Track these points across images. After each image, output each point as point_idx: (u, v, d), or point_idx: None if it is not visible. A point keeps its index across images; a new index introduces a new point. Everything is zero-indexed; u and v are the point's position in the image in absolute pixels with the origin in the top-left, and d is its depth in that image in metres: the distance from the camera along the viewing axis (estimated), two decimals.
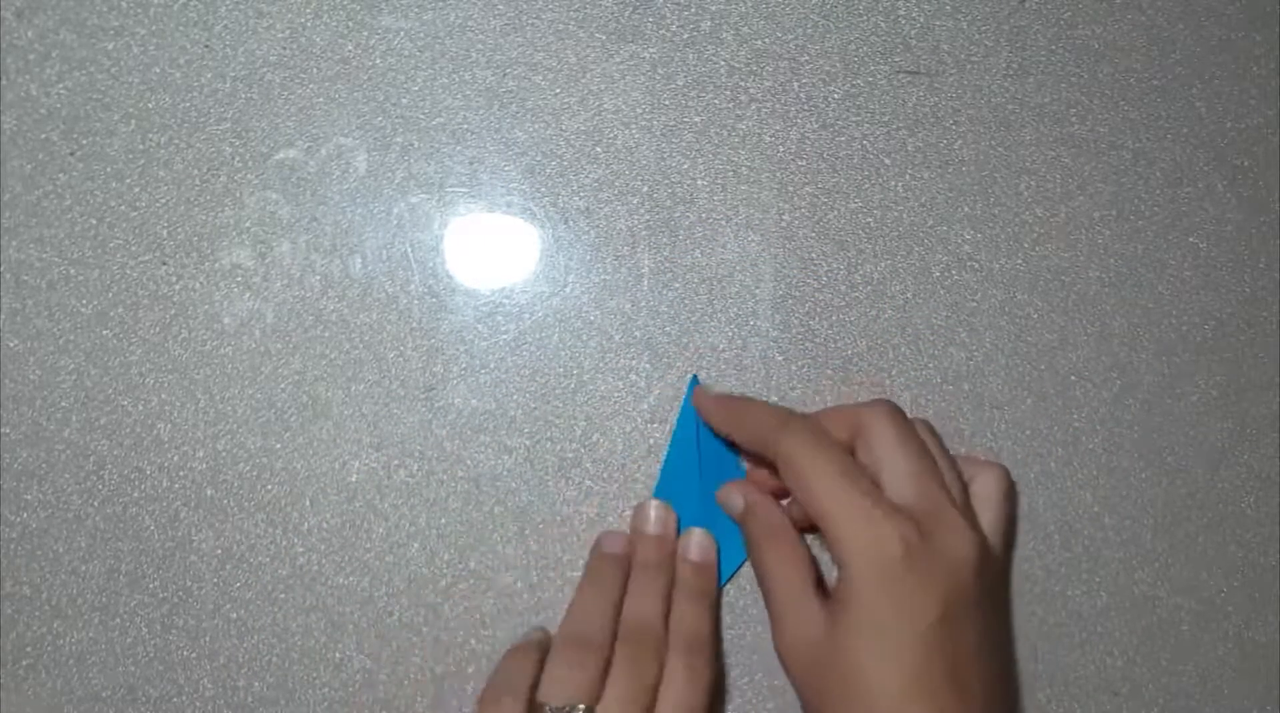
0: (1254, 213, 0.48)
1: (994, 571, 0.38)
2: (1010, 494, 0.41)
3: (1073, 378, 0.46)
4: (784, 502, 0.42)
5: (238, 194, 0.45)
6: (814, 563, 0.39)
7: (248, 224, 0.45)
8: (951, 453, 0.41)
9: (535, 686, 0.37)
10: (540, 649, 0.39)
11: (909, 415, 0.39)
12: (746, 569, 0.43)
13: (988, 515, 0.39)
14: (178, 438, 0.43)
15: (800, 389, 0.45)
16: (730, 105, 0.47)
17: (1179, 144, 0.48)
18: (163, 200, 0.45)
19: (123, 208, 0.45)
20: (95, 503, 0.43)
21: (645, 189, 0.46)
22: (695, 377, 0.44)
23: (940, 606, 0.35)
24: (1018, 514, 0.45)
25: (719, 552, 0.42)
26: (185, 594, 0.43)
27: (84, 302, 0.44)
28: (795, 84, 0.47)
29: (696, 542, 0.42)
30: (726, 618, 0.43)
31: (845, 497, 0.36)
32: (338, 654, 0.42)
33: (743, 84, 0.47)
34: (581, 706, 0.36)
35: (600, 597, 0.40)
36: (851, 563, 0.35)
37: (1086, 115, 0.48)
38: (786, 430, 0.38)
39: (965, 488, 0.39)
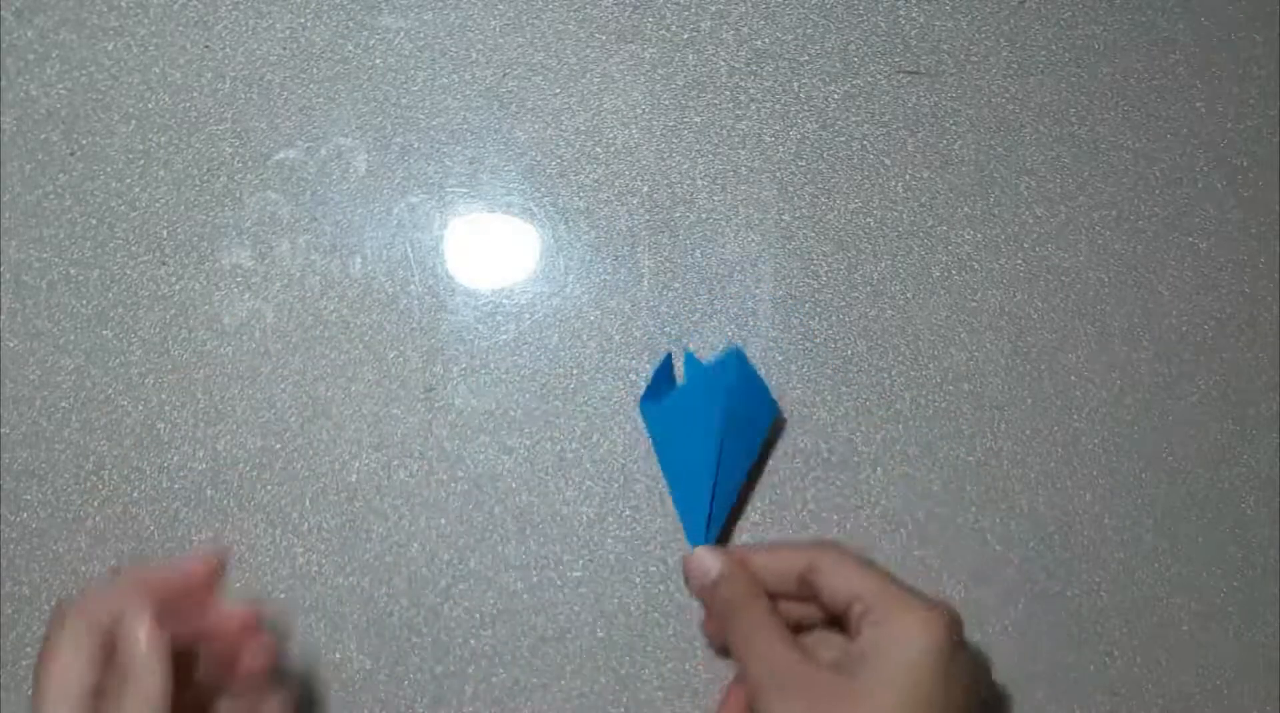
0: (1254, 213, 0.48)
1: None
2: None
3: (1073, 378, 0.46)
4: None
5: (238, 194, 0.45)
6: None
7: (248, 224, 0.45)
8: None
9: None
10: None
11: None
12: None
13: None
14: (178, 438, 0.43)
15: (800, 389, 0.45)
16: (730, 105, 0.47)
17: (1179, 144, 0.48)
18: (163, 200, 0.45)
19: (123, 208, 0.45)
20: (95, 503, 0.43)
21: (645, 189, 0.46)
22: (740, 348, 0.43)
23: (969, 703, 0.35)
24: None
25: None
26: None
27: (84, 302, 0.44)
28: (795, 84, 0.47)
29: None
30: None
31: (892, 586, 0.36)
32: (338, 654, 0.42)
33: (743, 84, 0.47)
34: None
35: None
36: (897, 643, 0.35)
37: (1086, 115, 0.48)
38: (821, 547, 0.38)
39: None
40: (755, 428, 0.43)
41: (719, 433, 0.41)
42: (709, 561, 0.39)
